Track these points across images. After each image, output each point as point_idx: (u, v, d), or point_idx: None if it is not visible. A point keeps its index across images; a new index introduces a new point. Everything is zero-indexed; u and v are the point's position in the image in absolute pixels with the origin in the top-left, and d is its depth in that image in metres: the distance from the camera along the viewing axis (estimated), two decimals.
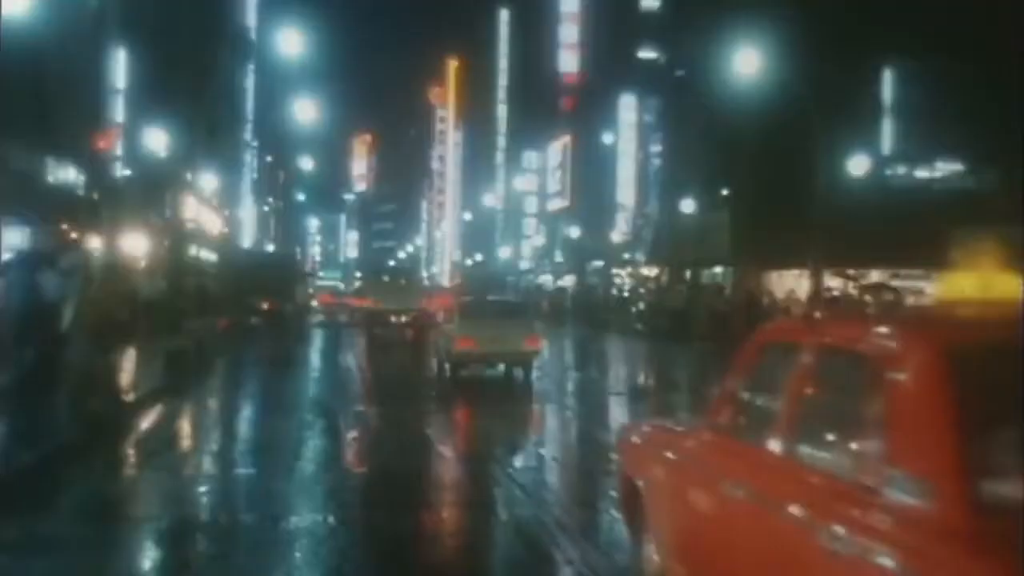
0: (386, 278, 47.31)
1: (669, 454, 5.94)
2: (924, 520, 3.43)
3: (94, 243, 23.82)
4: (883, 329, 4.28)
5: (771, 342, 5.34)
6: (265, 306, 39.63)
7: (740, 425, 5.23)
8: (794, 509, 4.18)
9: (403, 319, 37.54)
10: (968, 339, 3.99)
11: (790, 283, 40.83)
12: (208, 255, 50.09)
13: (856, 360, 4.15)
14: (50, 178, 28.72)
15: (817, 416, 4.45)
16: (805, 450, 4.41)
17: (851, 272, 33.51)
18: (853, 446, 4.09)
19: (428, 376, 23.34)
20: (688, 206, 53.34)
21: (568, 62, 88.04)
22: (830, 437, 4.36)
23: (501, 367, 21.93)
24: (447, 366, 21.55)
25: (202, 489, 10.86)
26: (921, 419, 3.62)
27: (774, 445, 4.63)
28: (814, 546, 3.84)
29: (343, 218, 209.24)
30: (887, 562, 3.46)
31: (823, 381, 4.50)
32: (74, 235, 24.24)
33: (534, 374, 21.14)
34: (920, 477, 3.51)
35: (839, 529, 3.75)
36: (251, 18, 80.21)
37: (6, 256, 17.76)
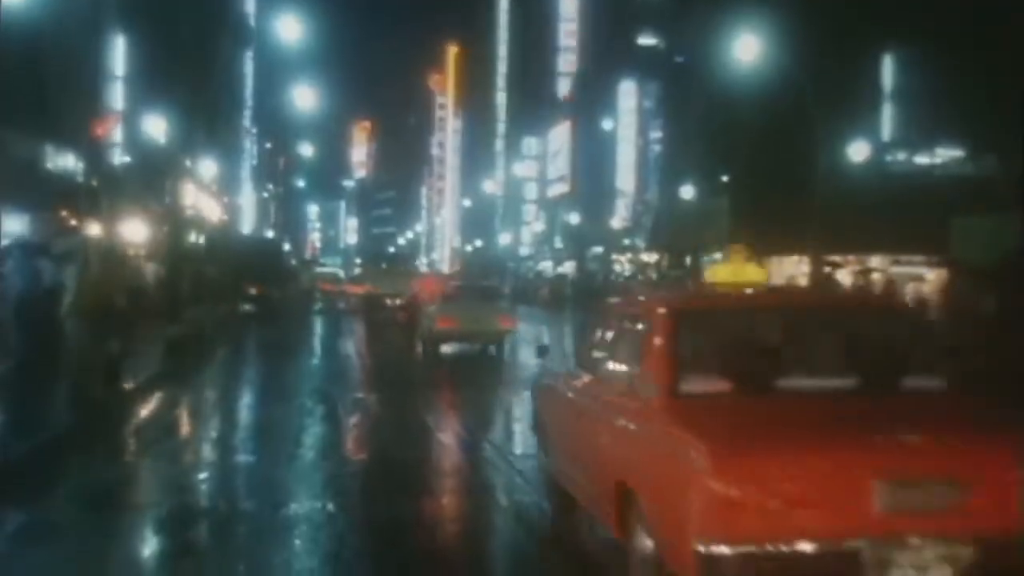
0: (383, 265, 51.00)
1: (553, 386, 8.83)
2: (651, 403, 6.25)
3: (93, 230, 23.81)
4: (644, 301, 7.88)
5: (604, 309, 8.61)
6: (252, 292, 40.05)
7: (589, 362, 8.06)
8: (603, 407, 7.17)
9: (397, 302, 39.08)
10: (683, 306, 7.14)
11: (790, 269, 40.82)
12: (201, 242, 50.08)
13: (636, 319, 7.16)
14: (49, 165, 28.67)
15: (622, 352, 7.30)
16: (615, 373, 7.33)
17: (836, 260, 34.23)
18: (633, 368, 6.87)
19: (417, 354, 24.96)
20: (688, 192, 53.36)
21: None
22: (626, 364, 7.11)
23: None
24: (430, 343, 24.03)
25: (202, 476, 10.87)
26: (654, 349, 6.48)
27: (602, 372, 7.64)
28: (609, 424, 6.86)
29: (343, 205, 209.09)
30: (633, 426, 6.46)
31: (625, 331, 7.38)
32: (73, 222, 24.25)
33: (533, 360, 21.72)
34: (651, 381, 6.34)
35: (617, 412, 6.77)
36: (250, 4, 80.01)
37: (4, 243, 17.80)
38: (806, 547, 5.21)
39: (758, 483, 5.19)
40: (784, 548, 5.20)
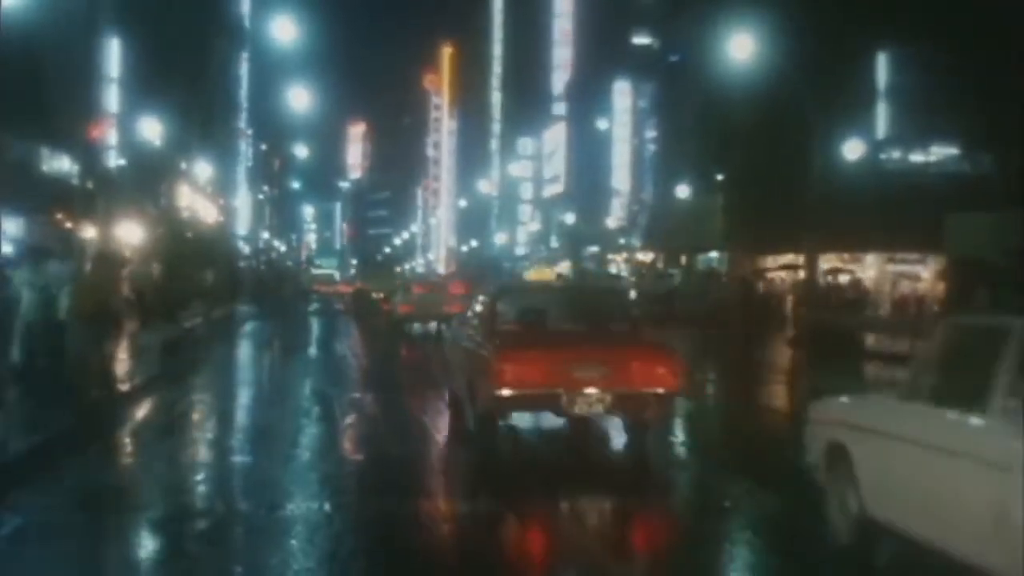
0: (373, 266, 62.36)
1: (452, 339, 14.55)
2: (483, 336, 12.10)
3: (89, 233, 23.80)
4: (489, 287, 15.14)
5: (476, 296, 14.33)
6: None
7: (469, 328, 13.15)
8: (468, 343, 12.66)
9: (381, 296, 44.64)
10: (501, 288, 15.22)
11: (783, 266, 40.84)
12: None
13: (487, 300, 13.00)
14: (44, 168, 28.71)
15: (479, 313, 13.00)
16: (476, 324, 12.77)
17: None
18: (480, 320, 12.74)
19: (386, 332, 32.91)
20: (683, 191, 53.39)
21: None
22: (478, 319, 12.81)
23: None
24: (395, 323, 33.37)
25: (198, 477, 10.86)
26: (486, 310, 12.72)
27: (473, 334, 12.58)
28: (469, 351, 12.46)
29: (338, 206, 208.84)
30: (477, 349, 12.04)
31: (480, 302, 13.32)
32: (68, 225, 24.25)
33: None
34: (484, 325, 12.37)
35: (472, 343, 12.45)
36: (245, 5, 79.96)
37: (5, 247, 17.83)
38: (538, 391, 10.84)
39: (518, 365, 10.81)
40: (528, 392, 10.76)
